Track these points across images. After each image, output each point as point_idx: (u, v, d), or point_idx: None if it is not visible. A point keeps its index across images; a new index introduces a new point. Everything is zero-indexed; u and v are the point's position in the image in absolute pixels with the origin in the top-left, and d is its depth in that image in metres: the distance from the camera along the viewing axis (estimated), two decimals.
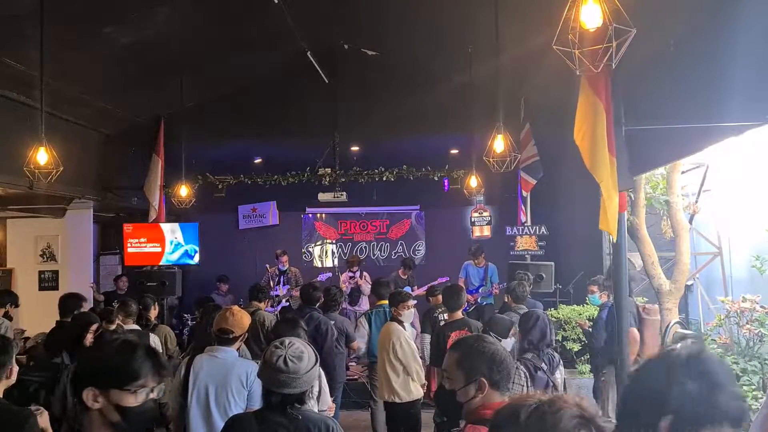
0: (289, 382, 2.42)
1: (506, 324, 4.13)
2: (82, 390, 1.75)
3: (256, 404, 3.38)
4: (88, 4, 5.54)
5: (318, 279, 9.45)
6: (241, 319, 3.65)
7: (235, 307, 3.78)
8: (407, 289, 8.88)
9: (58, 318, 5.76)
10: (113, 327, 4.57)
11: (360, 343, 5.97)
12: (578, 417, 1.21)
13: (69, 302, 5.61)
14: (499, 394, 2.22)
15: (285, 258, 9.41)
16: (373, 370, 6.11)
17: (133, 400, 1.74)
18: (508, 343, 4.00)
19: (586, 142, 3.49)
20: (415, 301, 8.76)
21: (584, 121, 3.50)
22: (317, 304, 5.81)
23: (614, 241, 3.85)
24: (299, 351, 2.48)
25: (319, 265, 11.31)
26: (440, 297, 5.95)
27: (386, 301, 6.21)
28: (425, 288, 8.56)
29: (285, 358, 2.43)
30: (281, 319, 4.28)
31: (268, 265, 9.61)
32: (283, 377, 2.41)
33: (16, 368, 2.64)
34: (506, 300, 5.92)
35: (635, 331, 5.46)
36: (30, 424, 2.86)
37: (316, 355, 2.56)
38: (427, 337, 5.92)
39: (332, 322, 5.85)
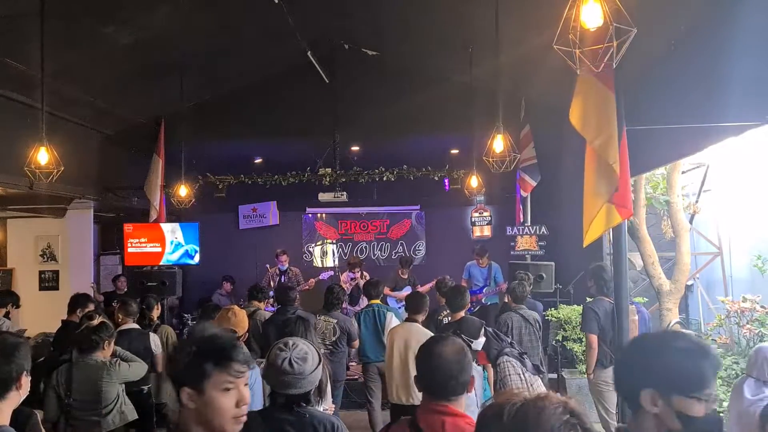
0: (295, 383, 2.42)
1: (477, 325, 4.22)
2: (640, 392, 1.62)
3: (257, 405, 3.37)
4: (88, 3, 5.54)
5: (320, 278, 9.46)
6: (242, 318, 3.67)
7: (235, 307, 3.80)
8: (407, 288, 8.89)
9: (58, 318, 5.79)
10: (95, 323, 4.57)
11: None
12: (563, 414, 1.18)
13: (77, 301, 5.67)
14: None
15: (285, 257, 9.42)
16: (367, 371, 6.11)
17: (698, 409, 1.59)
18: (479, 344, 4.09)
19: (604, 137, 3.43)
20: None
21: (599, 115, 3.44)
22: (295, 303, 5.91)
23: (584, 246, 3.81)
24: (303, 352, 2.49)
25: (320, 265, 11.31)
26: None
27: (377, 301, 6.26)
28: (431, 284, 8.59)
29: (290, 360, 2.43)
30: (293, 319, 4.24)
31: (268, 266, 9.61)
32: (288, 378, 2.42)
33: (27, 379, 2.59)
34: (506, 300, 5.92)
35: (593, 338, 5.36)
36: (32, 423, 2.86)
37: (320, 355, 2.56)
38: None
39: (334, 321, 5.85)
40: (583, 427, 1.18)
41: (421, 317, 5.21)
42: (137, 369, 4.56)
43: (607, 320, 5.24)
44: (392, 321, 5.96)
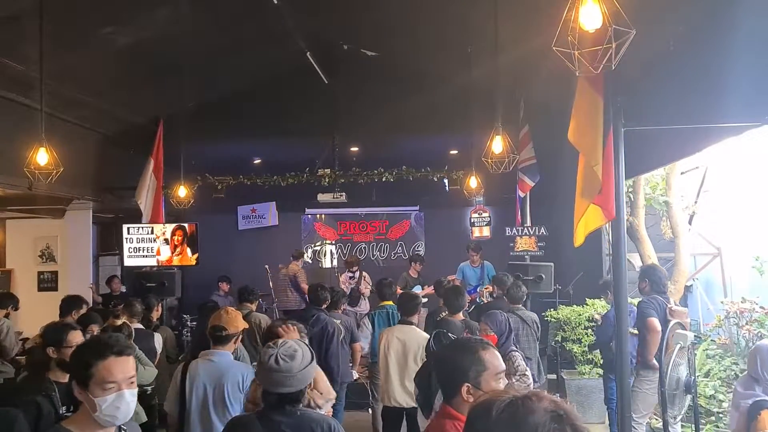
0: (284, 380, 2.44)
1: (459, 327, 4.23)
2: None
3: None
4: (88, 4, 5.54)
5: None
6: (234, 317, 3.66)
7: (229, 308, 3.81)
8: (417, 288, 8.86)
9: (57, 319, 5.75)
10: (119, 323, 4.60)
11: (363, 344, 5.97)
12: (552, 412, 1.18)
13: (70, 304, 5.61)
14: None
15: (302, 260, 9.37)
16: (374, 370, 6.09)
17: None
18: None
19: (588, 139, 3.47)
20: (426, 299, 8.75)
21: (586, 118, 3.48)
22: (324, 306, 5.76)
23: (576, 246, 3.82)
24: (292, 350, 2.51)
25: (319, 266, 11.31)
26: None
27: (390, 302, 6.19)
28: (430, 288, 8.57)
29: (276, 356, 2.46)
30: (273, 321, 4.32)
31: (267, 266, 9.59)
32: (277, 376, 2.44)
33: None
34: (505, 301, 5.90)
35: (654, 321, 5.08)
36: (19, 424, 2.86)
37: (312, 354, 2.57)
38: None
39: (338, 321, 5.83)
40: (571, 426, 1.18)
41: (416, 318, 5.14)
42: (149, 373, 4.60)
43: (661, 316, 5.06)
44: None
